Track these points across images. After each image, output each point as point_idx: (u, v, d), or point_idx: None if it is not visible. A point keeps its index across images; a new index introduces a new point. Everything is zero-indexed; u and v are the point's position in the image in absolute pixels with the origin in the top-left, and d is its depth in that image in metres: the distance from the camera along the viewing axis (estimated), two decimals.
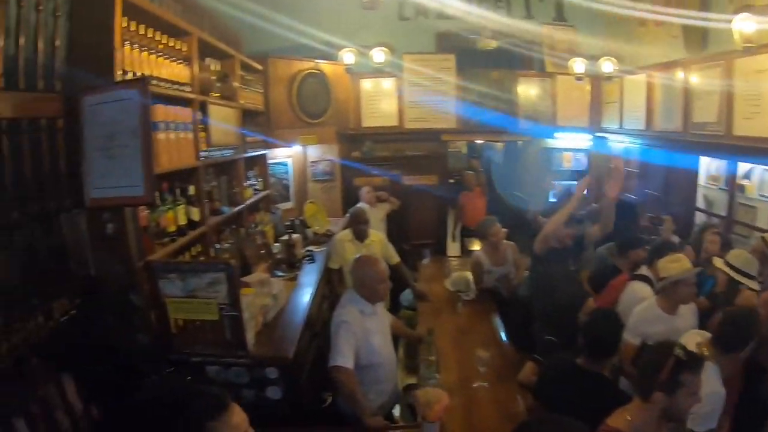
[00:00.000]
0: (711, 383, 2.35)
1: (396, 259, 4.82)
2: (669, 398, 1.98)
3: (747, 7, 4.22)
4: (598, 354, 2.66)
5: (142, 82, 2.52)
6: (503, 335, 3.81)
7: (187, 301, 2.72)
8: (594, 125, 6.93)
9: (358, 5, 5.47)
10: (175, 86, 3.26)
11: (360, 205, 5.30)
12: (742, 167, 5.47)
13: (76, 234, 2.51)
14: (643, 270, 3.66)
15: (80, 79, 2.51)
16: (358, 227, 4.67)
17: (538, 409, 2.76)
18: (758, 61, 4.02)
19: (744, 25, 4.10)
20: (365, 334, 2.95)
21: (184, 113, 3.35)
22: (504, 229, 4.62)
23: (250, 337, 2.93)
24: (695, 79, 4.88)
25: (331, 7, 6.33)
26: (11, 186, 2.15)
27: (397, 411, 3.27)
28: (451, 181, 6.72)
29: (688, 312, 3.15)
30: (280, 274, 4.24)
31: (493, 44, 6.46)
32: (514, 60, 6.92)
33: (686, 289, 3.04)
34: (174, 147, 3.19)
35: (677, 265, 3.05)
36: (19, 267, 2.21)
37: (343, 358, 2.80)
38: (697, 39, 5.27)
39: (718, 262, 3.59)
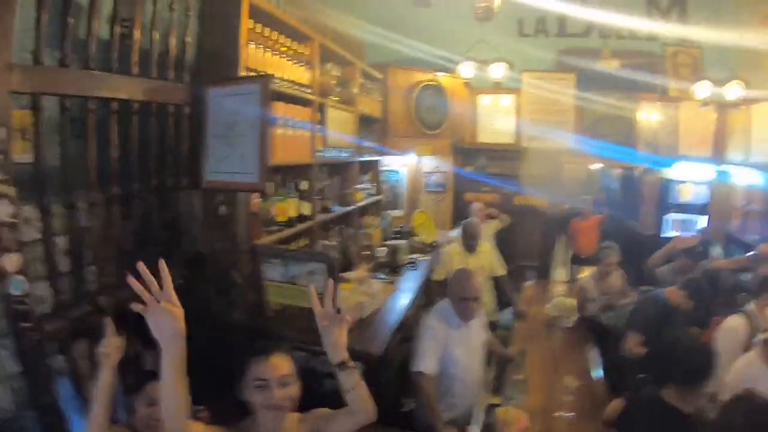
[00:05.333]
0: None
1: (502, 271, 4.62)
2: None
3: None
4: (684, 383, 2.25)
5: (264, 78, 2.71)
6: (597, 369, 3.46)
7: (286, 286, 2.83)
8: (718, 156, 6.21)
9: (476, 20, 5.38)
10: (296, 86, 3.45)
11: (472, 219, 5.17)
12: None
13: (190, 212, 2.74)
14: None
15: (207, 73, 2.77)
16: (469, 241, 4.55)
17: None
18: None
19: None
20: (447, 343, 2.85)
21: (303, 112, 3.54)
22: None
23: None
24: None
25: (450, 21, 6.28)
26: (137, 161, 2.39)
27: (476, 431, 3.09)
28: (566, 206, 6.36)
29: None
30: (382, 276, 4.25)
31: (614, 64, 6.04)
32: (636, 83, 6.38)
33: None
34: (290, 143, 3.37)
35: None
36: (133, 233, 2.44)
37: (426, 363, 2.73)
38: None
39: None
